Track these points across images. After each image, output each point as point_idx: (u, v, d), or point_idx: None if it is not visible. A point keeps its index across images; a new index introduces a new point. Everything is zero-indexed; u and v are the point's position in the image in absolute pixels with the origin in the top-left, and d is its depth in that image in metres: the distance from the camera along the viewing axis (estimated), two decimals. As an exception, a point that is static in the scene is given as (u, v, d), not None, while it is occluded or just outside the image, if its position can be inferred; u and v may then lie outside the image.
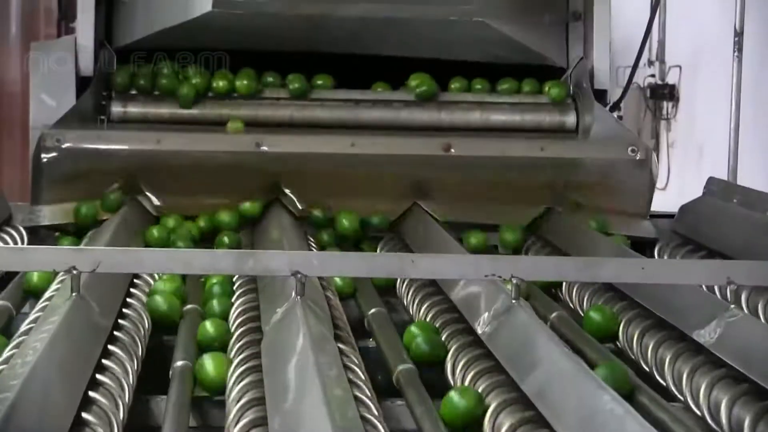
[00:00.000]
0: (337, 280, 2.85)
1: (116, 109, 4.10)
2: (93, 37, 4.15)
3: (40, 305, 2.48)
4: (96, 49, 4.15)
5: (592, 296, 2.92)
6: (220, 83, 4.06)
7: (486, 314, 2.42)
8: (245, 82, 4.06)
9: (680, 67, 8.07)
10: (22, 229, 3.44)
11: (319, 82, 4.14)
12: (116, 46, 4.27)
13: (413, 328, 2.50)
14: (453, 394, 2.09)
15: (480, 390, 2.15)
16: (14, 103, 7.35)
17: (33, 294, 2.77)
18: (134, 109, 4.10)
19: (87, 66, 4.12)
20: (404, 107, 4.15)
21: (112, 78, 4.13)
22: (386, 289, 3.02)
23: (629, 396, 2.14)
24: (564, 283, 3.09)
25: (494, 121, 4.18)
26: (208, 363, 2.24)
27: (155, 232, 3.41)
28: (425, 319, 2.68)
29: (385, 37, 4.17)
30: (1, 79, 7.46)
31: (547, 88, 4.21)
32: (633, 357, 2.57)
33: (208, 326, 2.47)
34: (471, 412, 2.07)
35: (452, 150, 3.76)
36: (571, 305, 3.01)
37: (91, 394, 1.98)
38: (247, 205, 3.59)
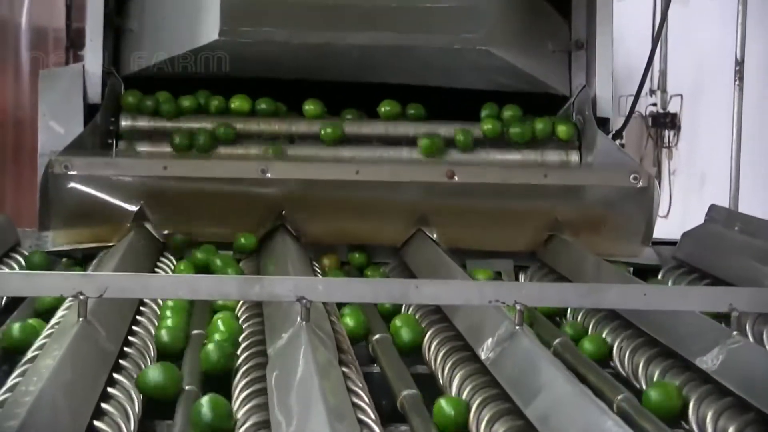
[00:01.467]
0: (349, 321, 2.78)
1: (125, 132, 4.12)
2: (101, 65, 4.16)
3: (47, 330, 2.48)
4: (104, 77, 4.16)
5: (596, 323, 2.92)
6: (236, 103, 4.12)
7: (490, 340, 2.41)
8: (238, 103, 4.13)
9: (681, 96, 8.08)
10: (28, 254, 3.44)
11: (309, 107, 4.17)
12: (124, 73, 4.28)
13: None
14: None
15: (480, 412, 2.15)
16: (23, 130, 7.37)
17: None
18: (141, 139, 4.12)
19: (95, 93, 4.13)
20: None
21: (119, 105, 4.15)
22: (391, 315, 3.02)
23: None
24: (568, 309, 3.09)
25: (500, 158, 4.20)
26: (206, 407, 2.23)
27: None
28: (429, 345, 2.67)
29: (391, 65, 4.18)
30: (10, 106, 7.47)
31: (555, 126, 4.21)
32: (626, 376, 2.57)
33: (212, 352, 2.46)
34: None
35: (456, 177, 3.76)
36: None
37: (96, 423, 1.98)
38: (242, 241, 3.58)
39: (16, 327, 2.59)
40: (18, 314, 2.80)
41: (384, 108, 4.21)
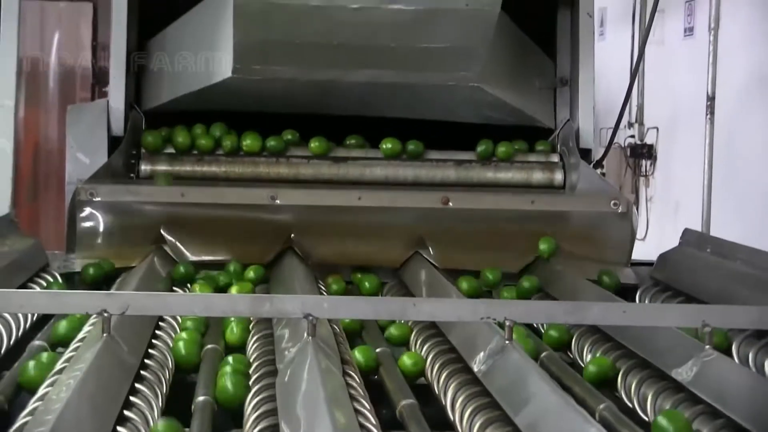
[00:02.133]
0: (359, 356, 2.71)
1: (144, 167, 4.13)
2: (124, 101, 4.18)
3: (73, 345, 2.47)
4: (126, 111, 4.18)
5: (579, 338, 2.91)
6: (248, 141, 4.16)
7: (481, 354, 2.41)
8: (249, 141, 4.18)
9: (657, 129, 8.10)
10: (57, 275, 3.43)
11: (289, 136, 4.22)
12: (144, 108, 4.30)
13: None
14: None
15: (472, 421, 2.14)
16: (52, 160, 7.38)
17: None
18: (160, 167, 4.13)
19: (118, 126, 4.14)
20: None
21: (140, 137, 4.16)
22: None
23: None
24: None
25: (490, 178, 4.23)
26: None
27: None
28: (426, 358, 2.67)
29: (390, 100, 4.19)
30: (41, 138, 7.48)
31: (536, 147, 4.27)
32: (616, 395, 2.56)
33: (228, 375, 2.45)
34: None
35: (450, 203, 3.76)
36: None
37: (119, 429, 1.98)
38: (251, 274, 3.57)
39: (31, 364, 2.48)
40: (42, 335, 2.80)
41: (385, 145, 4.24)
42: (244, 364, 2.49)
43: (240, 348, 2.71)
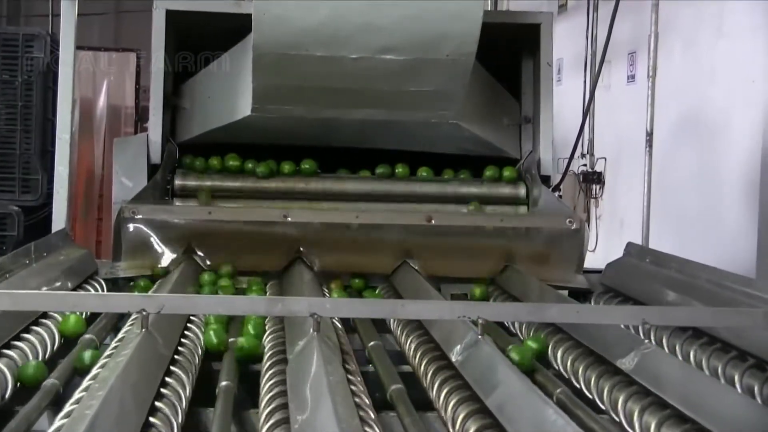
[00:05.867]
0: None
1: (178, 187, 4.13)
2: (161, 134, 4.17)
3: (117, 338, 2.46)
4: (163, 143, 4.17)
5: (538, 333, 2.90)
6: (286, 167, 4.18)
7: (458, 346, 2.40)
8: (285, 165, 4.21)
9: (605, 159, 8.10)
10: (103, 281, 3.43)
11: (306, 166, 4.21)
12: (178, 140, 4.30)
13: None
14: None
15: (452, 404, 2.14)
16: (102, 184, 7.37)
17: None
18: (191, 183, 4.15)
19: (156, 156, 4.14)
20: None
21: (175, 165, 4.16)
22: (382, 326, 3.00)
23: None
24: (518, 323, 3.09)
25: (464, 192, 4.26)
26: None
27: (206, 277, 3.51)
28: (411, 350, 2.66)
29: (383, 134, 4.19)
30: (92, 166, 7.48)
31: (504, 173, 4.28)
32: (566, 377, 2.56)
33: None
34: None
35: (433, 221, 3.76)
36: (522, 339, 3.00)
37: (157, 403, 1.97)
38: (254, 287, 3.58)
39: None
40: (92, 329, 2.79)
41: (379, 170, 4.28)
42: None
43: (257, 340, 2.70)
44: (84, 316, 2.87)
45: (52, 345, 2.60)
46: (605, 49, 4.95)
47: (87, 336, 2.67)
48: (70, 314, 2.73)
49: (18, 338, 2.50)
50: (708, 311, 2.67)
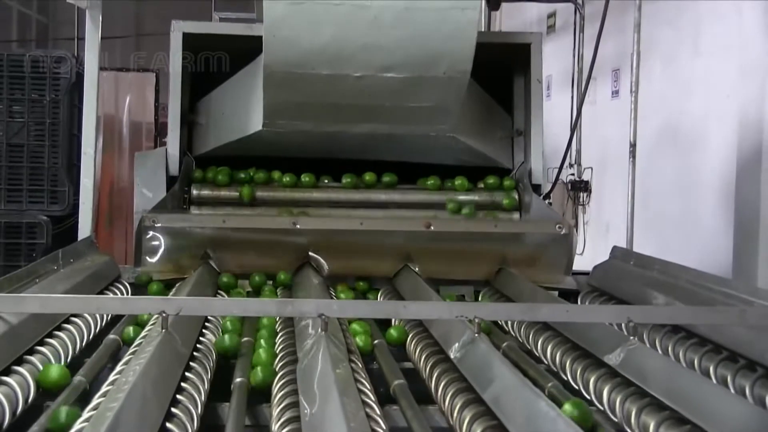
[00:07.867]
0: (359, 341, 2.65)
1: (194, 197, 4.13)
2: (178, 148, 4.17)
3: (138, 339, 2.46)
4: (180, 157, 4.17)
5: (530, 331, 2.90)
6: (286, 179, 4.20)
7: (456, 344, 2.40)
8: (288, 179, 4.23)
9: (592, 168, 8.09)
10: (127, 284, 3.43)
11: (306, 179, 4.24)
12: (195, 154, 4.30)
13: None
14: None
15: (449, 396, 2.13)
16: (123, 194, 7.37)
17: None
18: (207, 195, 4.15)
19: (174, 168, 4.14)
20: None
21: (191, 177, 4.16)
22: (387, 324, 2.99)
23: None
24: (512, 322, 3.08)
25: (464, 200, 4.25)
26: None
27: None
28: (413, 347, 2.66)
29: (385, 147, 4.19)
30: (115, 178, 7.48)
31: (504, 182, 4.30)
32: (555, 370, 2.56)
33: (261, 353, 2.46)
34: None
35: (432, 227, 3.75)
36: (518, 337, 2.99)
37: (178, 396, 1.98)
38: (282, 276, 3.58)
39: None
40: (116, 330, 2.78)
41: (385, 179, 4.29)
42: (272, 355, 2.47)
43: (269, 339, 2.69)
44: (108, 318, 2.87)
45: (74, 348, 2.57)
46: (591, 66, 4.94)
47: (111, 337, 2.66)
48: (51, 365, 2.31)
49: (42, 343, 2.46)
50: (688, 310, 2.67)
